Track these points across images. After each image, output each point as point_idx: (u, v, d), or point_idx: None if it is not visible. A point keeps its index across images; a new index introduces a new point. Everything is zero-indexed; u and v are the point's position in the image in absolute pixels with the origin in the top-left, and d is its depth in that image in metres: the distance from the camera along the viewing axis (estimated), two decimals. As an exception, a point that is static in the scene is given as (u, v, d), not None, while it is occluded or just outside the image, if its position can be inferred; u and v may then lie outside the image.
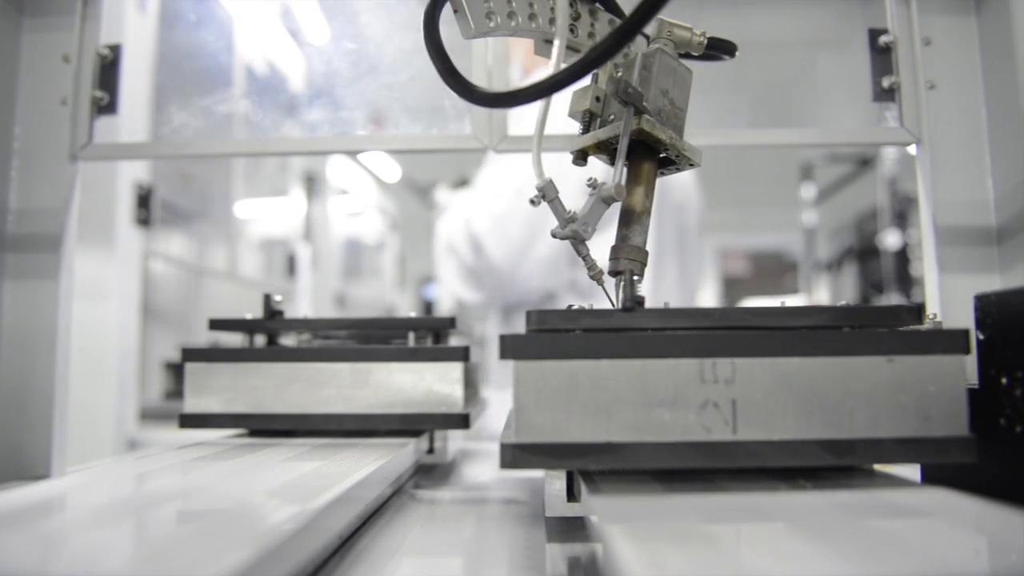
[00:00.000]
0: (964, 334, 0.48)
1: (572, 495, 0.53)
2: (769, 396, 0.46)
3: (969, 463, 0.46)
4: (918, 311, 0.51)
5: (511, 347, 0.47)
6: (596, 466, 0.47)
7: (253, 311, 0.77)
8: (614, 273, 0.58)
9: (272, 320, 0.75)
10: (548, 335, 0.48)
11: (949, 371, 0.47)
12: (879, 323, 0.50)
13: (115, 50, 0.83)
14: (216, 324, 0.77)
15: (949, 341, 0.47)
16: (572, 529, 0.54)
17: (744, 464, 0.46)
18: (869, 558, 0.31)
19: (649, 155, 0.60)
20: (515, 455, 0.46)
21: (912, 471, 0.66)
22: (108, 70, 0.83)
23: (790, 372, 0.47)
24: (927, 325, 0.55)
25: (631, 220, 0.58)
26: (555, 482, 0.54)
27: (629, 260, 0.57)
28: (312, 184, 3.16)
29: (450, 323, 0.75)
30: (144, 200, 1.77)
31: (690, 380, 0.46)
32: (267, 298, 0.75)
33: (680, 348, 0.47)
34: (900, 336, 0.47)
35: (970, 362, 0.51)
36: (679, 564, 0.31)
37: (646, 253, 0.58)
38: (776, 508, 0.41)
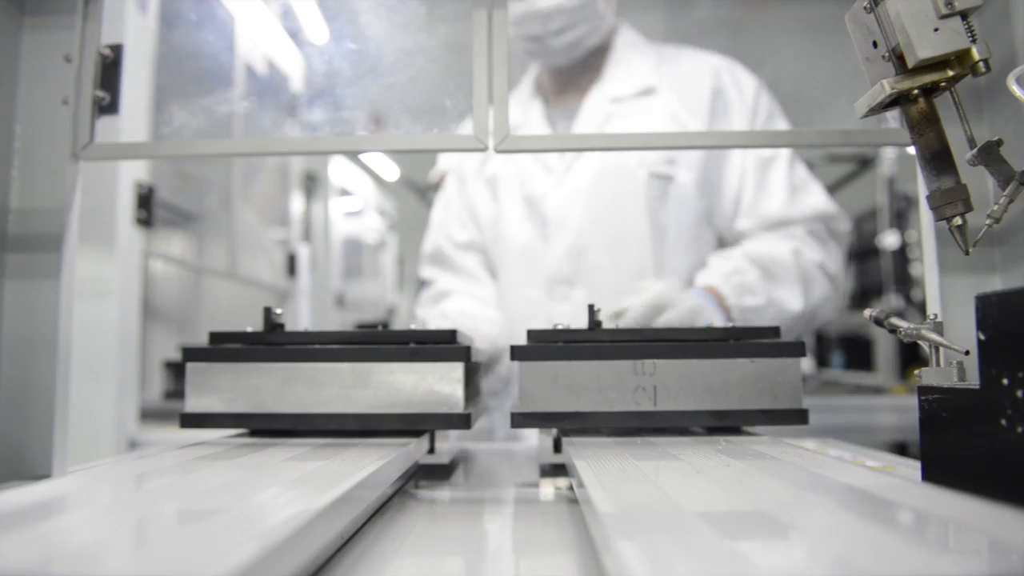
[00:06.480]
0: (800, 345, 0.74)
1: (557, 448, 0.81)
2: (677, 383, 0.74)
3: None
4: (775, 331, 0.77)
5: (518, 353, 0.76)
6: (570, 426, 0.75)
7: (254, 310, 0.77)
8: (947, 218, 0.62)
9: (272, 333, 0.75)
10: (541, 345, 0.76)
11: (790, 368, 0.74)
12: (751, 337, 0.76)
13: (116, 50, 0.83)
14: (216, 337, 0.77)
15: (790, 349, 0.74)
16: (556, 472, 0.80)
17: (662, 425, 0.75)
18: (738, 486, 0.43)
19: (920, 99, 0.63)
20: (519, 420, 0.74)
21: (914, 472, 0.66)
22: (109, 70, 0.83)
23: (691, 368, 0.74)
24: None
25: (942, 160, 0.62)
26: (545, 439, 0.84)
27: (952, 205, 0.62)
28: (312, 184, 3.16)
29: (451, 336, 0.75)
30: (144, 200, 1.77)
31: (627, 373, 0.74)
32: (267, 311, 0.75)
33: (622, 354, 0.75)
34: (760, 346, 0.74)
35: (971, 363, 0.51)
36: (620, 486, 0.50)
37: (966, 188, 0.62)
38: (683, 453, 0.63)
